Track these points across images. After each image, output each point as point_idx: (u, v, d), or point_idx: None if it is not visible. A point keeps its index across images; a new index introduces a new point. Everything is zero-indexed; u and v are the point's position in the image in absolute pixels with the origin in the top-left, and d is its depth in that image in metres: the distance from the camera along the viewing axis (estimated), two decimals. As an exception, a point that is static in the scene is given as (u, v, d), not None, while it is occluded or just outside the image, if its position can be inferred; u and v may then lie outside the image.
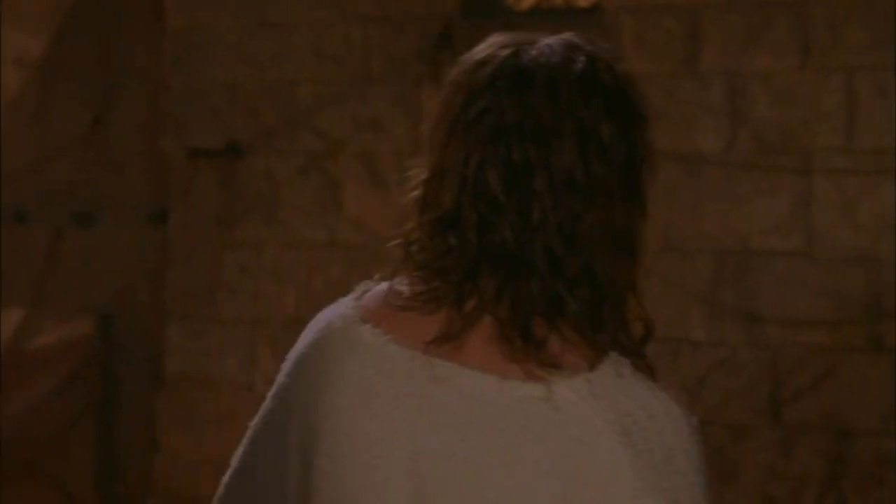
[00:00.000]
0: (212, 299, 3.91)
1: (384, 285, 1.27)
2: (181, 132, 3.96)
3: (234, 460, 1.32)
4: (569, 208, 1.19)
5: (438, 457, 1.18)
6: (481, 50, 1.25)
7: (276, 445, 1.27)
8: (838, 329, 3.26)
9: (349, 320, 1.25)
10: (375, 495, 1.19)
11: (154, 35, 3.99)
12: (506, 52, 1.23)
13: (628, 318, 1.22)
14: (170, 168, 3.97)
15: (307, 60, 3.79)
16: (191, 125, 3.94)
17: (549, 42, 1.24)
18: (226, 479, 1.32)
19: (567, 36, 1.25)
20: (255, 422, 1.31)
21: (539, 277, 1.19)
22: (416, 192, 1.25)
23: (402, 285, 1.25)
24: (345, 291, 1.32)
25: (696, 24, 3.39)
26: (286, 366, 1.29)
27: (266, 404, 1.30)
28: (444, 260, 1.22)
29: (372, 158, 3.73)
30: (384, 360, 1.22)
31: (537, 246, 1.18)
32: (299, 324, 1.30)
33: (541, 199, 1.18)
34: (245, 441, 1.31)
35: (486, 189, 1.20)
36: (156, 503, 4.00)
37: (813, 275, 3.28)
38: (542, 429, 1.17)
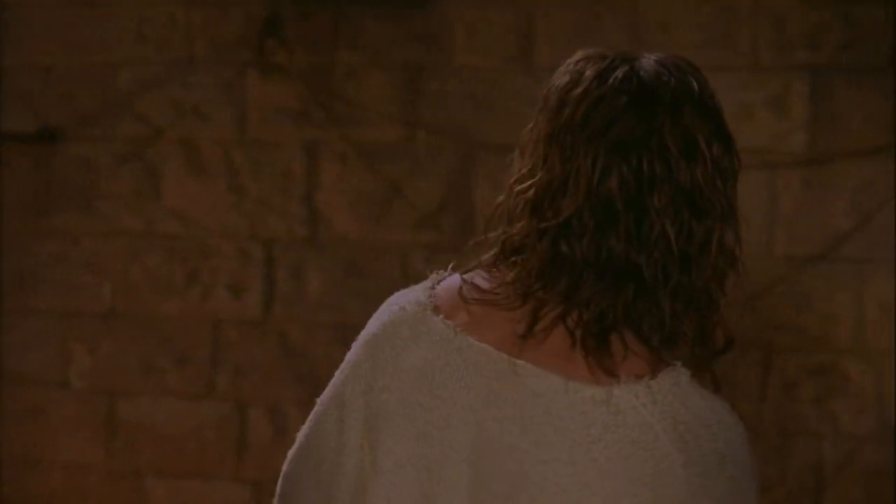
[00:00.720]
0: (21, 290, 3.76)
1: (456, 278, 1.34)
2: (-9, 114, 3.79)
3: (300, 435, 1.38)
4: (685, 224, 1.26)
5: (500, 448, 1.25)
6: (585, 64, 1.31)
7: (337, 422, 1.34)
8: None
9: (422, 308, 1.32)
10: (437, 479, 1.26)
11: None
12: (623, 67, 1.29)
13: (712, 331, 1.29)
14: (-22, 152, 3.81)
15: (127, 43, 3.68)
16: (1, 108, 3.79)
17: (658, 59, 1.32)
18: (291, 453, 1.38)
19: (669, 56, 1.33)
20: (322, 398, 1.37)
21: (644, 288, 1.25)
22: (527, 195, 1.29)
23: (481, 279, 1.31)
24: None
25: (529, 18, 3.40)
26: (356, 345, 1.36)
27: (333, 381, 1.36)
28: (552, 265, 1.26)
29: (194, 146, 3.64)
30: (455, 351, 1.28)
31: (653, 259, 1.25)
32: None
33: (660, 214, 1.25)
34: (311, 416, 1.37)
35: (607, 198, 1.26)
36: (-42, 505, 3.82)
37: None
38: (601, 430, 1.24)
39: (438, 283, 1.35)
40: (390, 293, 1.39)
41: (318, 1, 3.55)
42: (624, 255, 1.25)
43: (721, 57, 3.25)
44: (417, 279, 4.09)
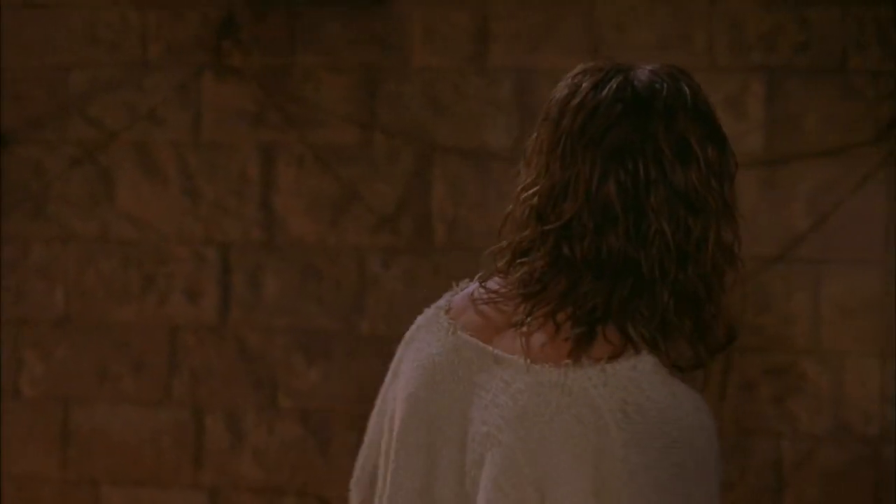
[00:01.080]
0: (-27, 297, 3.71)
1: (475, 283, 1.45)
2: (-60, 118, 3.74)
3: (368, 430, 1.54)
4: (682, 221, 1.33)
5: (477, 435, 1.36)
6: (583, 77, 1.38)
7: (381, 420, 1.50)
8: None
9: (438, 310, 1.46)
10: (436, 466, 1.38)
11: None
12: (617, 77, 1.37)
13: (711, 326, 1.35)
14: (-73, 156, 3.75)
15: (79, 45, 3.64)
16: (-49, 111, 3.74)
17: (652, 69, 1.39)
18: (363, 448, 1.54)
19: (664, 65, 1.40)
20: (378, 397, 1.53)
21: (641, 283, 1.31)
22: (532, 203, 1.37)
23: (494, 283, 1.42)
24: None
25: (486, 19, 3.39)
26: (399, 347, 1.51)
27: (385, 380, 1.52)
28: (554, 267, 1.34)
29: (148, 149, 3.61)
30: (451, 347, 1.41)
31: (650, 255, 1.32)
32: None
33: (657, 214, 1.32)
34: (373, 412, 1.53)
35: (605, 201, 1.33)
36: None
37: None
38: (554, 411, 1.31)
39: (460, 290, 1.48)
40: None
41: (274, 2, 3.53)
42: (623, 253, 1.32)
43: (677, 58, 3.26)
44: (374, 282, 4.06)
